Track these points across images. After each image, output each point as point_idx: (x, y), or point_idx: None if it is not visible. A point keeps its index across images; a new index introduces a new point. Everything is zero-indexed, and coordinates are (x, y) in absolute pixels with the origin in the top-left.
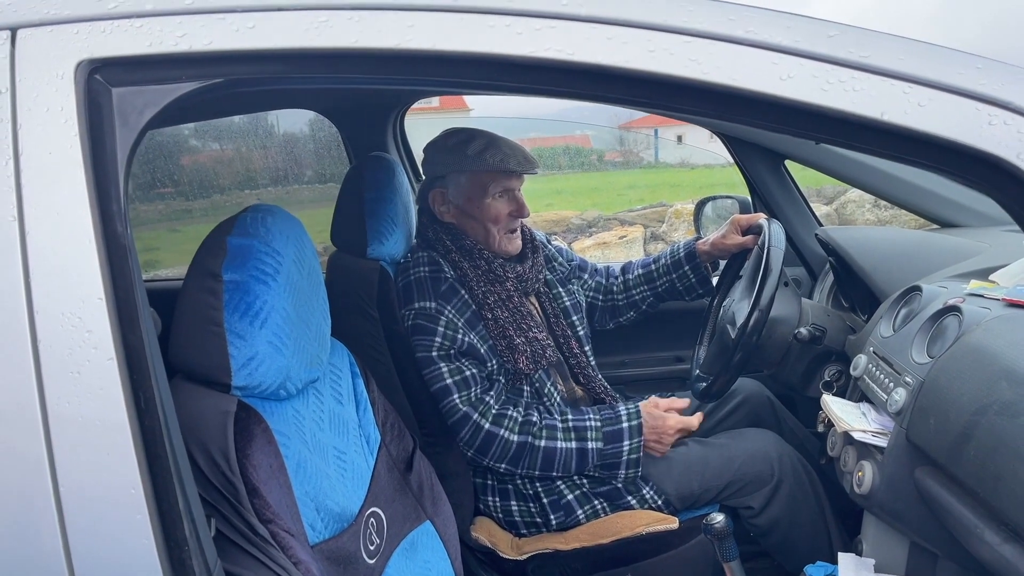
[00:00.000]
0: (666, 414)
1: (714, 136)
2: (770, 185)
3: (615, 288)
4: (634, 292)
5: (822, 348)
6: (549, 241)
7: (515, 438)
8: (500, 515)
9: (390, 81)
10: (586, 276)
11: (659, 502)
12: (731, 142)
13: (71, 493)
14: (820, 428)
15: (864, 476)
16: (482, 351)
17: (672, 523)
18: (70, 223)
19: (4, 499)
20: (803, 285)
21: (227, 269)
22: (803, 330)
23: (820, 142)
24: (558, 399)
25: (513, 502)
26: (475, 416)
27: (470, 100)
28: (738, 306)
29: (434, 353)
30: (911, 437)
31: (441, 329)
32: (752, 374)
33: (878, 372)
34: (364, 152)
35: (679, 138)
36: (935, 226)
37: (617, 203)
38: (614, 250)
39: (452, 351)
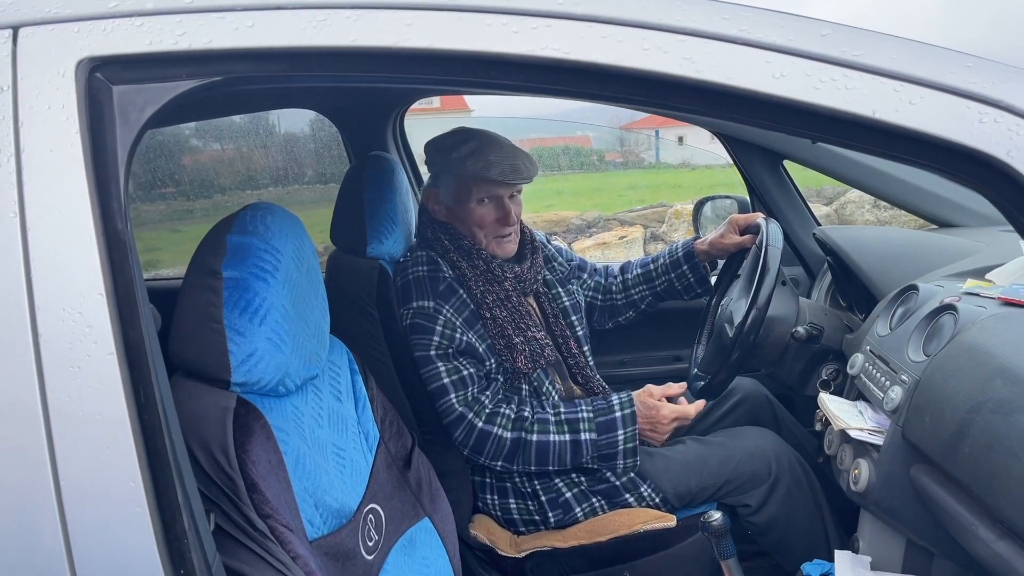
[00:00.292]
0: (660, 403)
1: (715, 137)
2: (768, 185)
3: (614, 288)
4: (633, 292)
5: (819, 347)
6: (548, 241)
7: (508, 435)
8: (499, 513)
9: (388, 80)
10: (585, 276)
11: (657, 500)
12: (730, 142)
13: (71, 486)
14: (818, 426)
15: (860, 474)
16: (480, 350)
17: (670, 521)
18: (71, 220)
19: (5, 493)
20: (801, 284)
21: (227, 266)
22: (800, 329)
23: (813, 140)
24: (556, 398)
25: (511, 500)
26: (470, 416)
27: (471, 100)
28: (736, 305)
29: (432, 352)
30: (907, 435)
31: (439, 328)
32: (750, 373)
33: (875, 371)
34: (364, 152)
35: (680, 139)
36: (933, 226)
37: (618, 203)
38: (614, 250)
39: (450, 350)
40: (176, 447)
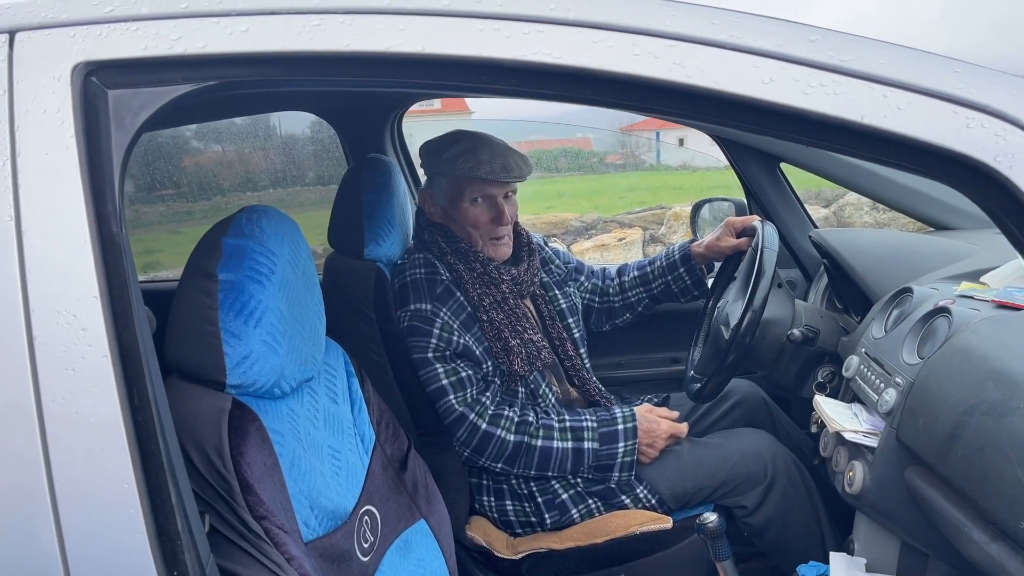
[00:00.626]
0: (659, 418)
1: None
2: (765, 188)
3: (611, 290)
4: (630, 294)
5: (815, 349)
6: (546, 243)
7: (512, 438)
8: (495, 514)
9: (382, 84)
10: (582, 278)
11: (653, 501)
12: (727, 145)
13: (65, 488)
14: (813, 428)
15: (855, 476)
16: (477, 353)
17: (666, 523)
18: (66, 223)
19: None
20: (798, 286)
21: (222, 269)
22: (796, 331)
23: (803, 145)
24: (553, 400)
25: (508, 501)
26: (472, 416)
27: (472, 102)
28: (732, 307)
29: (430, 354)
30: (901, 437)
31: (436, 331)
32: (747, 375)
33: (869, 373)
34: (362, 154)
35: (680, 141)
36: (930, 228)
37: (618, 205)
38: (613, 252)
39: (448, 352)
40: (170, 449)
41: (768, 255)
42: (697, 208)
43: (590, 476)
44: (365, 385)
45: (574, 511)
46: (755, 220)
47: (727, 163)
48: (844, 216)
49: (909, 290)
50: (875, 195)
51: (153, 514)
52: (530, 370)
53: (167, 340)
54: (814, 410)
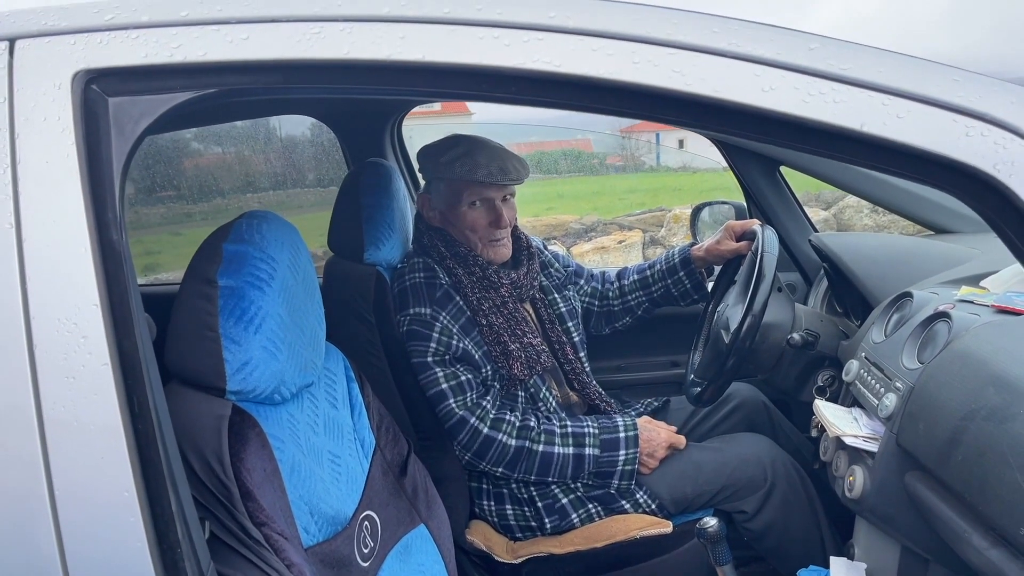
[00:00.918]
0: (658, 426)
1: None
2: (765, 191)
3: (611, 294)
4: (629, 298)
5: (815, 353)
6: (545, 247)
7: (513, 442)
8: (495, 519)
9: (382, 91)
10: (582, 282)
11: (653, 506)
12: (726, 148)
13: (66, 495)
14: (813, 433)
15: (855, 481)
16: (476, 357)
17: (666, 527)
18: (66, 230)
19: (0, 501)
20: (798, 290)
21: (222, 275)
22: (796, 335)
23: (802, 152)
24: (553, 404)
25: (508, 506)
26: (472, 420)
27: (472, 104)
28: (732, 311)
29: (429, 358)
30: (901, 442)
31: (436, 335)
32: (747, 379)
33: (869, 377)
34: (362, 158)
35: (680, 143)
36: (930, 232)
37: (618, 207)
38: (613, 255)
39: (447, 356)
40: (170, 456)
41: (768, 259)
42: (697, 211)
43: (590, 482)
44: (365, 390)
45: (574, 515)
46: (755, 224)
47: (727, 165)
48: (844, 219)
49: (909, 294)
50: (875, 199)
51: (153, 521)
52: (530, 374)
53: (167, 346)
54: (814, 414)
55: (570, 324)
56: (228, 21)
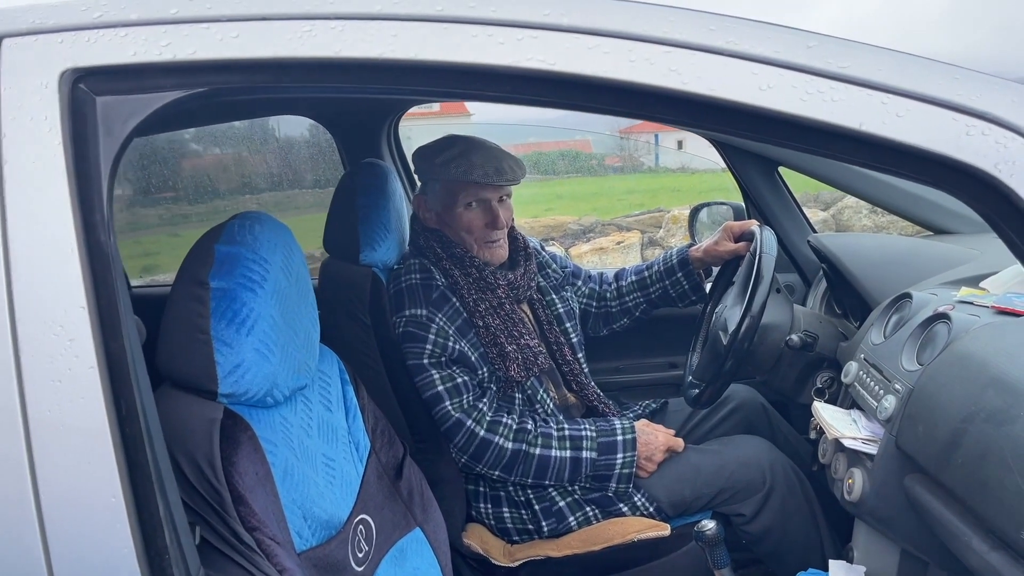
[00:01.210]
0: (656, 429)
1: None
2: (764, 191)
3: (608, 295)
4: (627, 299)
5: (814, 355)
6: (543, 248)
7: (510, 445)
8: (492, 522)
9: (374, 90)
10: (580, 283)
11: (651, 509)
12: (725, 148)
13: (52, 500)
14: (812, 435)
15: (854, 483)
16: (472, 359)
17: (663, 530)
18: (53, 232)
19: None
20: (797, 291)
21: (214, 277)
22: (794, 337)
23: (801, 152)
24: (551, 406)
25: (505, 509)
26: (469, 423)
27: (471, 105)
28: (730, 312)
29: (425, 360)
30: (900, 444)
31: (432, 337)
32: (745, 380)
33: (868, 379)
34: (358, 158)
35: (679, 143)
36: (929, 232)
37: (616, 208)
38: (611, 256)
39: (443, 358)
40: (159, 460)
41: (767, 260)
42: (695, 212)
43: (588, 485)
44: (360, 392)
45: (571, 519)
46: (753, 225)
47: (725, 166)
48: (843, 219)
49: (908, 295)
50: (873, 198)
51: (141, 526)
52: (527, 376)
53: (159, 348)
54: (813, 416)
55: (568, 325)
56: (218, 19)
